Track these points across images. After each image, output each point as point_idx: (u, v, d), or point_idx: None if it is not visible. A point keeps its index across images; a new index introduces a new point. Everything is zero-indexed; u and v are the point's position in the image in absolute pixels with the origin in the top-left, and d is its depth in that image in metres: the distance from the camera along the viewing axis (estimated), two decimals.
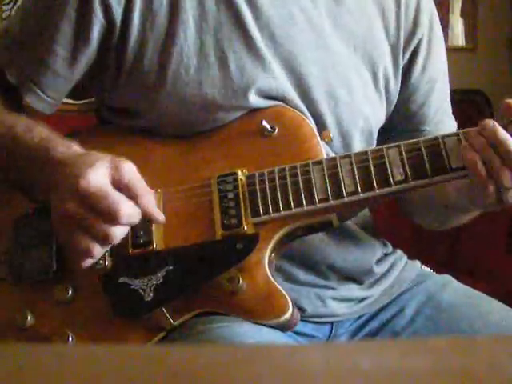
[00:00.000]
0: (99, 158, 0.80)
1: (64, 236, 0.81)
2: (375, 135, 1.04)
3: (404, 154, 0.86)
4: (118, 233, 0.79)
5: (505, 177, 0.82)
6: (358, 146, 1.00)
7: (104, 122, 1.04)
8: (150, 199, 0.81)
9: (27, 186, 0.94)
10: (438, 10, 1.10)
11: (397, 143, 0.87)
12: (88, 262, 0.82)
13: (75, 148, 0.85)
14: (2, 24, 2.70)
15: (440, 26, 1.09)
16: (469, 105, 2.53)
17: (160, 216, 0.84)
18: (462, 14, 2.96)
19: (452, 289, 1.05)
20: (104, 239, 0.79)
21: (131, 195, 0.79)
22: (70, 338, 0.87)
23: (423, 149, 0.85)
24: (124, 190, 0.79)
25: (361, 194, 0.85)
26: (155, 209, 0.83)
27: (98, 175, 0.78)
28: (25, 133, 0.90)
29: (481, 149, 0.83)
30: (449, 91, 1.13)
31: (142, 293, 0.85)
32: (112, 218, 0.77)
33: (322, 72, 0.96)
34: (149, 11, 0.92)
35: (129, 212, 0.79)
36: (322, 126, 0.95)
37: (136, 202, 0.80)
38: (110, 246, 0.81)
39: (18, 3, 2.71)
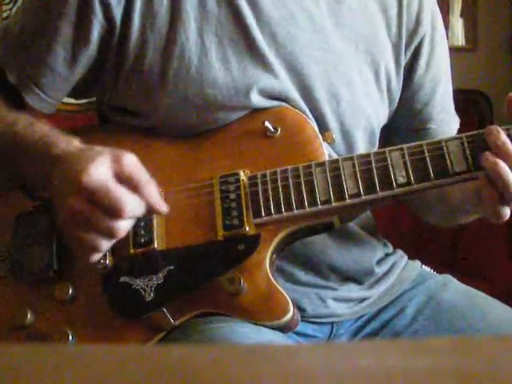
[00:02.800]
0: (100, 152, 0.80)
1: (69, 232, 0.81)
2: (377, 134, 1.04)
3: (407, 156, 0.85)
4: (122, 227, 0.79)
5: None
6: (360, 145, 1.00)
7: (105, 121, 1.04)
8: (153, 189, 0.81)
9: (27, 183, 0.94)
10: None
11: (400, 146, 0.87)
12: (95, 257, 0.81)
13: (76, 144, 0.85)
14: (1, 24, 2.70)
15: (443, 25, 1.09)
16: (469, 105, 2.53)
17: (162, 207, 0.82)
18: (462, 14, 2.96)
19: (452, 289, 1.05)
20: (109, 234, 0.79)
21: (133, 186, 0.79)
22: (70, 337, 0.87)
23: (426, 152, 0.85)
24: (126, 181, 0.79)
25: (363, 197, 0.85)
26: (158, 199, 0.82)
27: (100, 170, 0.78)
28: (25, 130, 0.89)
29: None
30: (451, 90, 1.13)
31: (143, 293, 0.85)
32: (115, 212, 0.77)
33: (323, 71, 0.96)
34: (149, 11, 0.92)
35: (131, 205, 0.78)
36: (324, 125, 0.95)
37: (138, 193, 0.79)
38: (115, 240, 0.81)
39: (18, 3, 2.71)
